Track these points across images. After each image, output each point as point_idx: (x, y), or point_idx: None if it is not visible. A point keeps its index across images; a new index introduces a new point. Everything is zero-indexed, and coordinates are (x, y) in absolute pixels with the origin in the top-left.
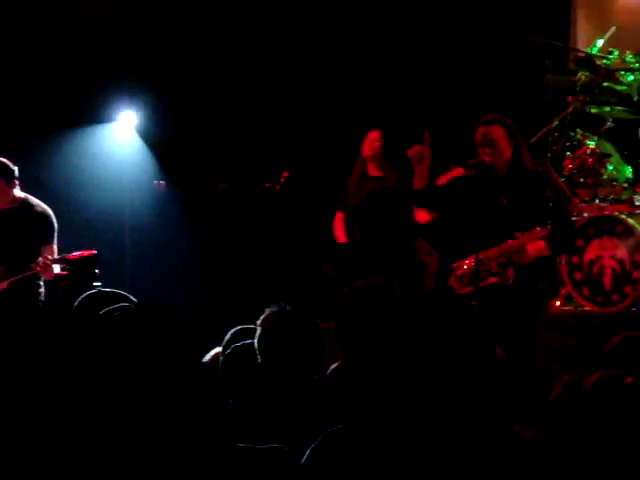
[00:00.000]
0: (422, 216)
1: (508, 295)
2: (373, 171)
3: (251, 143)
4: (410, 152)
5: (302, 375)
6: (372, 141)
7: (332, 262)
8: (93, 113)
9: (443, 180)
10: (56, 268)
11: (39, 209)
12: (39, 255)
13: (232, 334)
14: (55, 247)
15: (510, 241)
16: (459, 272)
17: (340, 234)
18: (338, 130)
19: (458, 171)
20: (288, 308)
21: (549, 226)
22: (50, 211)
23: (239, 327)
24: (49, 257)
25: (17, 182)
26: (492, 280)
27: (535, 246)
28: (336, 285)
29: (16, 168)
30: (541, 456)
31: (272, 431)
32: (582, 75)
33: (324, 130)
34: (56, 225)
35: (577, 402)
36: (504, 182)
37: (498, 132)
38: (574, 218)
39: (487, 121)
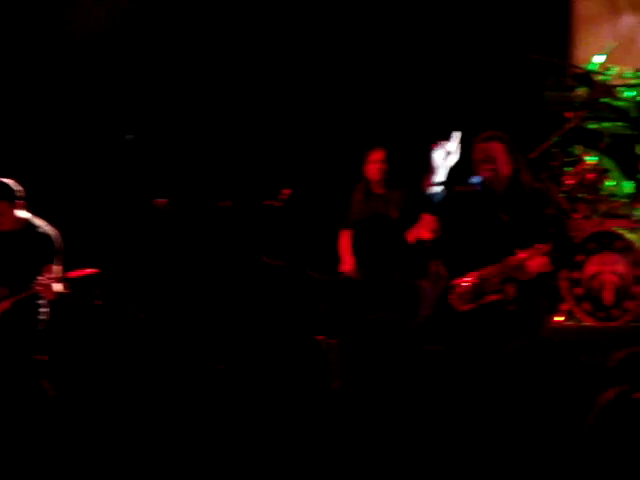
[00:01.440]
0: (424, 233)
1: (509, 312)
2: (378, 189)
3: (252, 160)
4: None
5: None
6: (376, 162)
7: (328, 300)
8: (91, 128)
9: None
10: (59, 287)
11: (42, 230)
12: (41, 274)
13: None
14: (58, 267)
15: (511, 258)
16: (460, 289)
17: (346, 253)
18: (340, 148)
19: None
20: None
21: (549, 243)
22: (54, 232)
23: None
24: (49, 276)
25: (21, 203)
26: (493, 297)
27: (536, 262)
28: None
29: (21, 188)
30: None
31: None
32: (581, 91)
33: (326, 148)
34: (60, 246)
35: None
36: (504, 199)
37: (497, 149)
38: (574, 234)
39: (486, 138)
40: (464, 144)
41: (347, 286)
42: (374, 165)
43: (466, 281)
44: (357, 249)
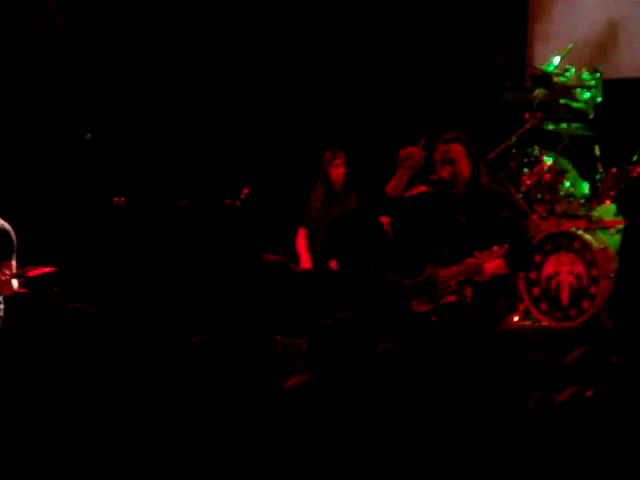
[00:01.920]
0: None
1: (466, 313)
2: (338, 190)
3: (211, 159)
4: (404, 152)
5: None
6: (338, 166)
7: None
8: (52, 127)
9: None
10: (16, 284)
11: None
12: None
13: None
14: (14, 263)
15: (468, 259)
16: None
17: (303, 251)
18: (298, 146)
19: (420, 189)
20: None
21: (506, 245)
22: (9, 227)
23: None
24: (7, 273)
25: None
26: (450, 298)
27: (493, 265)
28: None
29: None
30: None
31: None
32: (539, 92)
33: (284, 146)
34: (16, 241)
35: (550, 417)
36: (463, 200)
37: (457, 150)
38: (531, 235)
39: (447, 139)
40: (424, 145)
41: (320, 280)
42: (336, 169)
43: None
44: (333, 244)
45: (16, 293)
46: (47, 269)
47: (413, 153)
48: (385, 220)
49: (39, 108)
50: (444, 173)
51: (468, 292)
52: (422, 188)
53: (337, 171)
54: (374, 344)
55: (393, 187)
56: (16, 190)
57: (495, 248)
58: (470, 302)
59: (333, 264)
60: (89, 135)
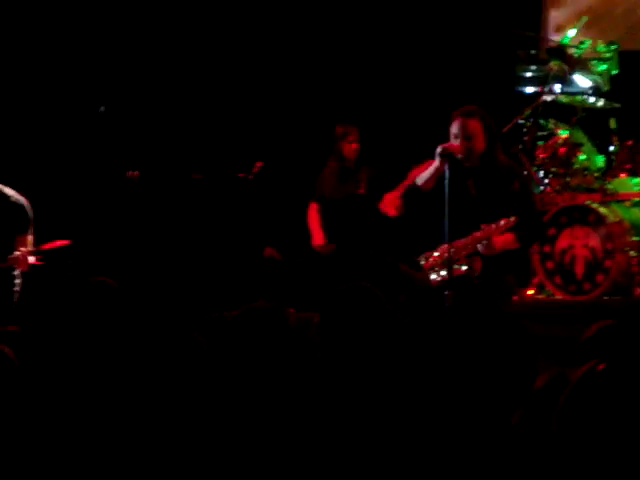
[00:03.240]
0: (389, 210)
1: (475, 287)
2: (350, 166)
3: (225, 133)
4: (446, 148)
5: None
6: (352, 142)
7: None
8: (65, 102)
9: (419, 171)
10: (31, 259)
11: (14, 199)
12: (15, 246)
13: None
14: (31, 237)
15: (476, 233)
16: (427, 264)
17: (315, 226)
18: (312, 121)
19: (432, 162)
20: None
21: (514, 218)
22: (25, 201)
23: None
24: (24, 249)
25: None
26: (460, 271)
27: (502, 239)
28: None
29: None
30: (527, 445)
31: None
32: (554, 65)
33: (298, 120)
34: (32, 215)
35: (565, 393)
36: (474, 173)
37: (475, 126)
38: (543, 209)
39: (466, 113)
40: (438, 119)
41: (322, 261)
42: (349, 144)
43: (433, 256)
44: (331, 227)
45: (32, 267)
46: (62, 242)
47: (454, 151)
48: (395, 195)
49: (53, 82)
50: (456, 145)
51: (478, 265)
52: (432, 162)
53: (350, 147)
54: (387, 312)
55: (426, 181)
56: (31, 164)
57: (502, 221)
58: (479, 275)
59: (317, 243)
60: (103, 108)
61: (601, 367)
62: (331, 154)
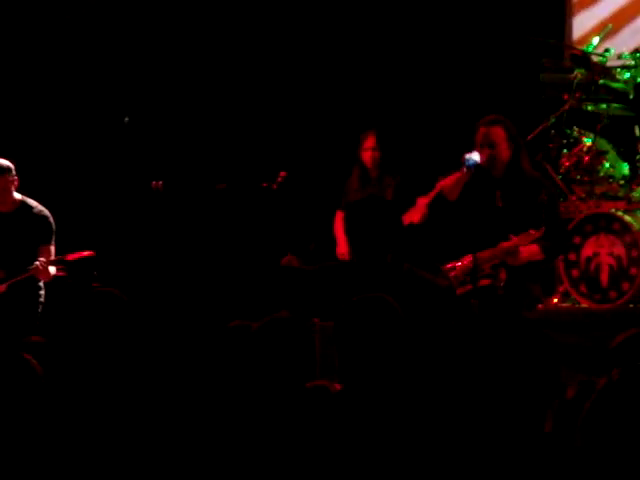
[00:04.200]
0: (414, 217)
1: (500, 297)
2: (373, 174)
3: (248, 143)
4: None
5: None
6: (369, 149)
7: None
8: (88, 111)
9: (446, 182)
10: (54, 269)
11: (37, 210)
12: (37, 257)
13: None
14: (53, 248)
15: (503, 243)
16: (452, 273)
17: (340, 235)
18: (335, 129)
19: (457, 174)
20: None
21: (542, 228)
22: (48, 212)
23: None
24: (45, 259)
25: (16, 182)
26: (484, 282)
27: (528, 249)
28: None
29: (12, 166)
30: (559, 453)
31: None
32: (578, 73)
33: (322, 130)
34: (54, 226)
35: (589, 401)
36: (500, 184)
37: (499, 133)
38: (568, 219)
39: (489, 122)
40: (462, 127)
41: (340, 269)
42: (367, 152)
43: (459, 265)
44: (350, 230)
45: (55, 278)
46: (86, 253)
47: (479, 160)
48: (422, 201)
49: (77, 93)
50: (483, 156)
51: (502, 276)
52: (457, 174)
53: (367, 154)
54: (401, 322)
55: (451, 190)
56: (55, 175)
57: (531, 232)
58: (504, 286)
59: (342, 252)
60: (127, 119)
61: (617, 376)
62: (356, 163)
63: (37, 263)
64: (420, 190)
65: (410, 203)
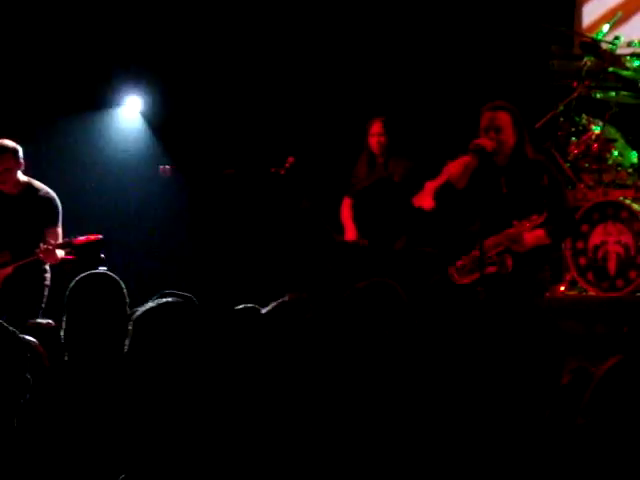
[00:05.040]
0: (426, 201)
1: (507, 284)
2: (380, 159)
3: (256, 128)
4: (478, 143)
5: None
6: (375, 135)
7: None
8: (99, 98)
9: (454, 165)
10: (61, 252)
11: (43, 193)
12: (43, 239)
13: None
14: (60, 230)
15: (508, 230)
16: (459, 262)
17: (348, 221)
18: (343, 115)
19: (464, 158)
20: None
21: (545, 214)
22: (54, 194)
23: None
24: (52, 242)
25: (23, 165)
26: (490, 269)
27: (533, 235)
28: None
29: (21, 149)
30: (557, 439)
31: None
32: (588, 60)
33: (329, 115)
34: (60, 209)
35: (590, 387)
36: (505, 170)
37: (505, 119)
38: (573, 205)
39: (494, 107)
40: (471, 114)
41: (351, 253)
42: (373, 138)
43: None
44: (361, 216)
45: (62, 261)
46: (93, 237)
47: (486, 146)
48: (431, 185)
49: (81, 78)
50: (488, 141)
51: (509, 262)
52: (465, 158)
53: (374, 140)
54: (405, 308)
55: (459, 178)
56: (63, 160)
57: (534, 217)
58: (511, 272)
59: (350, 237)
60: (141, 108)
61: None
62: (363, 149)
63: (44, 246)
64: (428, 174)
65: (418, 187)
